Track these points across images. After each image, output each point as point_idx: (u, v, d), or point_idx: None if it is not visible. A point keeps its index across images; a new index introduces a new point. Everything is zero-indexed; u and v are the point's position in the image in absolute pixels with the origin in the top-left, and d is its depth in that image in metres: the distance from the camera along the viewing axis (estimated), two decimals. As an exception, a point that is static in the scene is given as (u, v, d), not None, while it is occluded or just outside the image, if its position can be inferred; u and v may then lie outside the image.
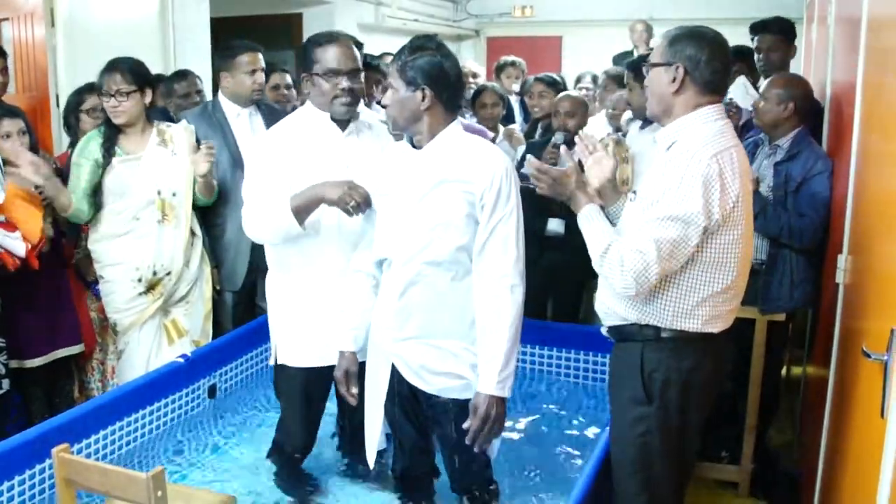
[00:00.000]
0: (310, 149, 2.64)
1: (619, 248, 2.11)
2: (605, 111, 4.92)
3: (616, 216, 2.33)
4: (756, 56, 4.06)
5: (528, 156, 2.34)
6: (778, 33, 4.01)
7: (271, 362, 2.87)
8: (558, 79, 4.86)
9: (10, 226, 3.10)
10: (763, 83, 3.40)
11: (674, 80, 2.15)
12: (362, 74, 2.72)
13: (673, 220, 2.04)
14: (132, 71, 3.33)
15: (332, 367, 2.64)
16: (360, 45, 2.75)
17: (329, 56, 2.60)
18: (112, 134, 3.33)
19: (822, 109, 3.55)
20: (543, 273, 3.95)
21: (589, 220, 2.21)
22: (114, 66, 3.33)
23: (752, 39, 4.09)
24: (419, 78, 2.29)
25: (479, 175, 2.28)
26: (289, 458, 2.93)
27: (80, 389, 3.66)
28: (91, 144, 3.33)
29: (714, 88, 2.17)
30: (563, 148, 2.57)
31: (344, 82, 2.59)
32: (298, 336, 2.75)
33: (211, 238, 3.67)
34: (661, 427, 2.22)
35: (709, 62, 2.14)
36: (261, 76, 3.72)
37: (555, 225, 3.96)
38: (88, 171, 3.29)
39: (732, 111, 4.01)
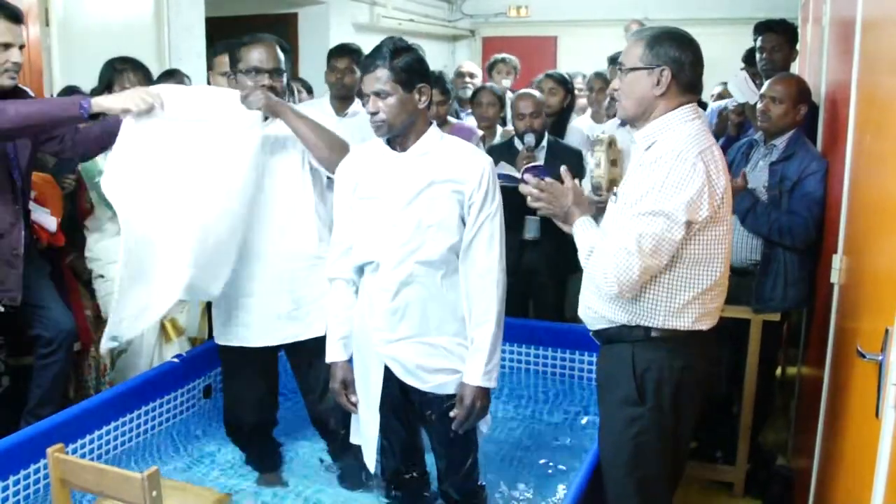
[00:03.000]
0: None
1: (602, 247, 2.12)
2: (590, 111, 4.93)
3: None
4: (758, 56, 4.05)
5: (527, 175, 2.30)
6: (782, 34, 4.01)
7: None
8: (567, 76, 4.81)
9: (40, 201, 3.18)
10: (765, 85, 3.38)
11: (658, 83, 2.12)
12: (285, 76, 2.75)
13: (655, 214, 2.02)
14: (144, 68, 3.34)
15: (251, 349, 2.85)
16: (286, 50, 2.79)
17: (250, 56, 2.67)
18: None
19: (816, 110, 3.56)
20: (523, 274, 3.92)
21: (583, 229, 2.21)
22: (129, 63, 3.33)
23: (756, 39, 4.08)
24: (415, 78, 2.28)
25: (468, 175, 2.31)
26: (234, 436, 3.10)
27: (76, 388, 3.66)
28: None
29: (694, 89, 2.17)
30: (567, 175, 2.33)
31: (265, 80, 2.66)
32: (215, 314, 2.94)
33: None
34: (655, 427, 2.21)
35: (693, 64, 2.13)
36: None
37: (532, 230, 3.93)
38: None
39: (738, 112, 4.00)
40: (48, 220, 3.23)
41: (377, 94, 2.26)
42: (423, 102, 2.31)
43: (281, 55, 2.72)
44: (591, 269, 2.15)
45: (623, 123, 3.57)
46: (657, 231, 2.03)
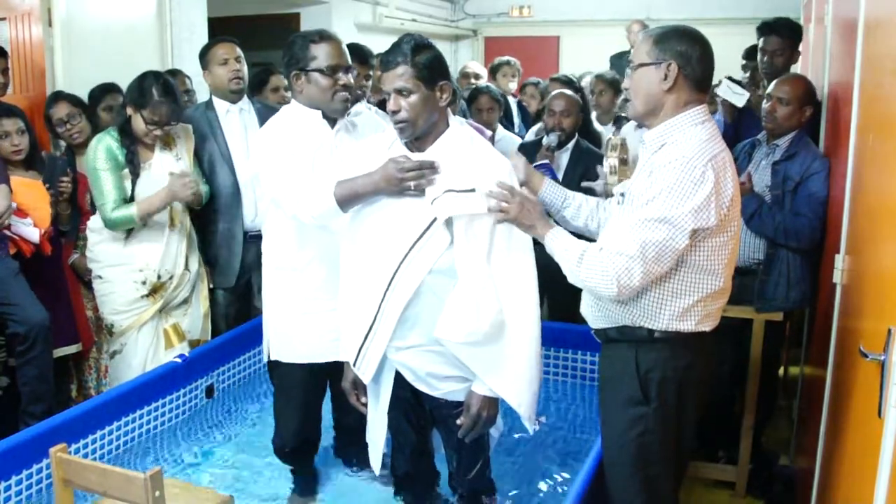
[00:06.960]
0: (301, 147, 2.57)
1: (594, 252, 2.08)
2: (595, 114, 4.91)
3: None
4: (759, 56, 4.01)
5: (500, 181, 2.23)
6: (787, 37, 3.94)
7: (265, 359, 2.88)
8: (573, 78, 4.78)
9: (21, 213, 3.14)
10: (771, 85, 3.37)
11: (665, 77, 2.10)
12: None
13: (660, 221, 2.01)
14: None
15: (327, 363, 2.69)
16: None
17: (326, 52, 2.57)
18: (130, 143, 3.32)
19: (819, 110, 3.55)
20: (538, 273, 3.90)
21: (555, 238, 2.16)
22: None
23: (759, 39, 4.03)
24: (437, 75, 2.21)
25: (486, 180, 2.21)
26: (294, 454, 2.92)
27: (78, 389, 3.67)
28: (110, 149, 3.29)
29: (703, 87, 2.15)
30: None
31: (344, 78, 2.57)
32: (295, 332, 2.74)
33: (203, 236, 3.67)
34: (659, 426, 2.21)
35: (701, 59, 2.11)
36: (235, 65, 3.68)
37: None
38: (118, 179, 3.29)
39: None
40: (30, 231, 3.20)
41: (399, 91, 2.19)
42: (444, 100, 2.24)
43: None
44: (584, 273, 2.09)
45: (640, 125, 3.54)
46: (661, 238, 2.02)
